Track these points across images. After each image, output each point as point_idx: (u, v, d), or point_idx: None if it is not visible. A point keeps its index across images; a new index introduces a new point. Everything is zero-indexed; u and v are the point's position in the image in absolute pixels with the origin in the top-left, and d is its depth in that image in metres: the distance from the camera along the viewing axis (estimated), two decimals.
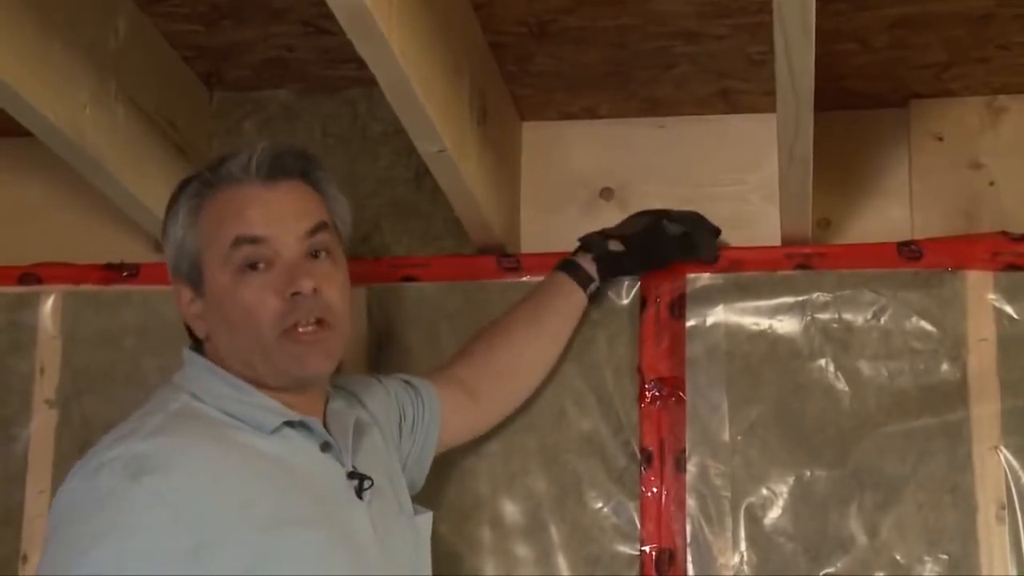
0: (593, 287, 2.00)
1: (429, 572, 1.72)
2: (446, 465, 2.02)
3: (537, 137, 2.19)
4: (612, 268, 2.01)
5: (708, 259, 2.03)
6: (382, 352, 2.10)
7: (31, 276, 2.17)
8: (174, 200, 1.65)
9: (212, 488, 1.47)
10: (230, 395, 1.58)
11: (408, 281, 2.11)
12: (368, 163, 2.18)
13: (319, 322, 1.58)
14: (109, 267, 2.16)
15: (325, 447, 1.61)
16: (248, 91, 2.19)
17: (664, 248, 2.02)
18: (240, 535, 1.47)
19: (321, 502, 1.56)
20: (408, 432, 1.83)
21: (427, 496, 2.00)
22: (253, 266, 1.58)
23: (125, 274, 2.16)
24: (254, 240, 1.58)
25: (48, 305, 2.16)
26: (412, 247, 2.15)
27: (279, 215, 1.60)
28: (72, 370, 2.14)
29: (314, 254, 1.61)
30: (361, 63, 1.54)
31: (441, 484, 2.02)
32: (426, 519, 1.74)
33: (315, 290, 1.58)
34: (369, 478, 1.62)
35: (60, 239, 2.21)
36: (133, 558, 1.41)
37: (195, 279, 1.62)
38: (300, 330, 1.57)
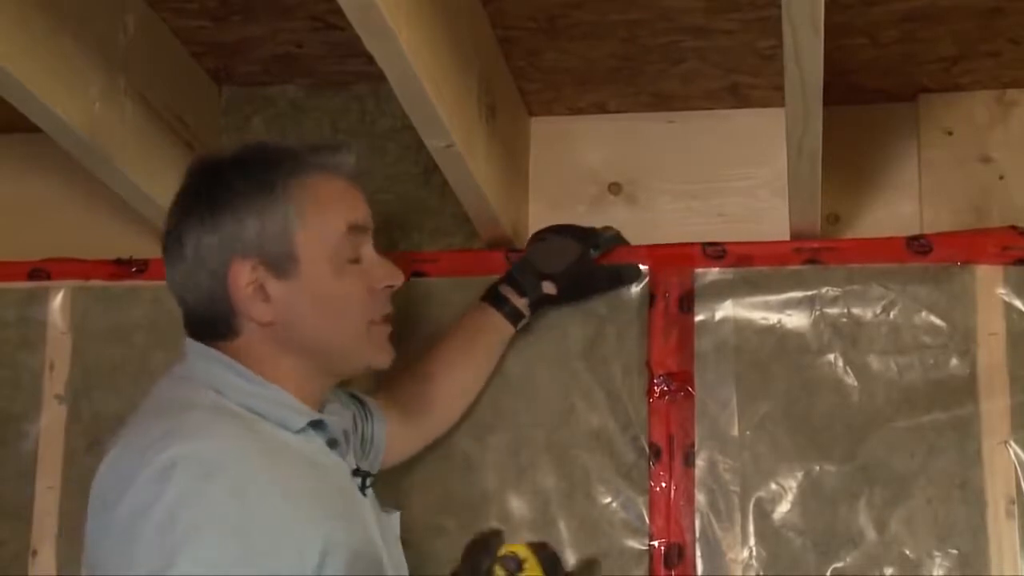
0: (523, 323, 2.01)
1: (406, 570, 1.71)
2: (453, 460, 2.02)
3: (546, 132, 2.19)
4: (541, 305, 2.02)
5: (630, 283, 2.05)
6: None
7: (40, 272, 2.18)
8: (261, 172, 1.58)
9: (271, 486, 1.46)
10: (254, 392, 1.55)
11: (417, 276, 2.10)
12: (376, 159, 2.18)
13: (387, 317, 1.65)
14: (118, 262, 2.16)
15: (332, 444, 1.61)
16: (257, 87, 2.20)
17: (594, 285, 2.05)
18: (303, 530, 1.47)
19: (345, 498, 1.58)
20: (359, 446, 1.79)
21: (434, 492, 2.01)
22: (353, 260, 1.61)
23: (134, 269, 2.16)
24: (364, 229, 1.63)
25: (57, 301, 2.16)
26: (420, 242, 2.15)
27: (367, 210, 1.66)
28: (82, 366, 2.15)
29: None
30: (370, 59, 1.54)
31: (449, 479, 2.02)
32: (396, 518, 1.74)
33: None
34: (371, 474, 1.64)
35: (69, 235, 2.21)
36: (230, 549, 1.40)
37: (282, 261, 1.56)
38: (380, 322, 1.64)
